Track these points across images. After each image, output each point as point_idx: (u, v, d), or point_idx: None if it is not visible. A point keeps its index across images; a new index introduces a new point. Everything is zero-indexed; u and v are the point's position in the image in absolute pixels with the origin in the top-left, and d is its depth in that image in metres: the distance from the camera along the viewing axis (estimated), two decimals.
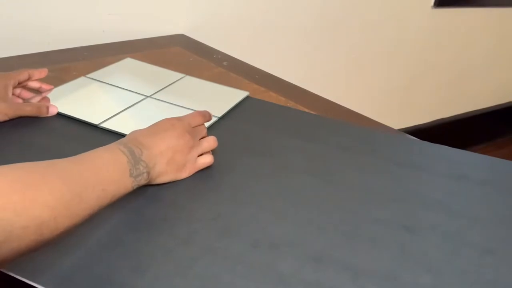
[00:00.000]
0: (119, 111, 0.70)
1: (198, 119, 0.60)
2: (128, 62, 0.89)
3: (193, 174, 0.57)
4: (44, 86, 0.72)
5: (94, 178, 0.43)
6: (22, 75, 0.68)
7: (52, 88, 0.73)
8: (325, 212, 0.54)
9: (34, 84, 0.71)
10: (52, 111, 0.68)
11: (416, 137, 0.74)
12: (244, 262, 0.45)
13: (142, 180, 0.50)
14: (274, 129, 0.71)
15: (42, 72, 0.71)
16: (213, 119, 0.71)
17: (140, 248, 0.46)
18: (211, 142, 0.60)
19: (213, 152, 0.60)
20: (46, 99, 0.70)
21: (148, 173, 0.50)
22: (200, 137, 0.59)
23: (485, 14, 1.77)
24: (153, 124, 0.56)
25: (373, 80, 1.63)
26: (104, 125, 0.66)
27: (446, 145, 0.71)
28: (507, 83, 2.08)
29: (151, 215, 0.50)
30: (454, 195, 0.59)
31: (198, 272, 0.44)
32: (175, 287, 0.42)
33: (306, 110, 0.79)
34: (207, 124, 0.69)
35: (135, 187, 0.49)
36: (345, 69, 1.54)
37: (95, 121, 0.66)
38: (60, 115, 0.68)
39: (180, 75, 0.86)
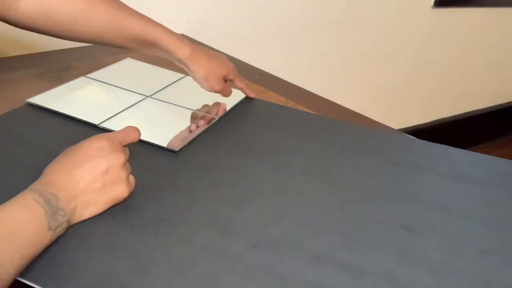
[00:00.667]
0: (119, 111, 0.70)
1: (133, 136, 0.53)
2: (128, 62, 0.89)
3: (192, 175, 0.57)
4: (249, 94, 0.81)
5: (11, 246, 0.39)
6: (239, 82, 0.78)
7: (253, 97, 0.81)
8: (324, 212, 0.54)
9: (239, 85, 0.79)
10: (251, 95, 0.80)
11: (416, 137, 0.74)
12: (244, 262, 0.45)
13: (62, 230, 0.44)
14: (274, 129, 0.71)
15: (250, 94, 0.81)
16: (212, 120, 0.71)
17: (140, 248, 0.46)
18: (127, 166, 0.51)
19: (214, 151, 0.60)
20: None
21: (68, 221, 0.45)
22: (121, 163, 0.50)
23: (485, 14, 1.77)
24: (76, 150, 0.48)
25: (373, 80, 1.63)
26: (104, 125, 0.66)
27: (446, 145, 0.71)
28: (507, 83, 2.08)
29: (151, 216, 0.50)
30: (454, 194, 0.59)
31: (198, 272, 0.44)
32: (175, 287, 0.42)
33: (306, 110, 0.79)
34: (206, 125, 0.69)
35: (53, 240, 0.43)
36: (345, 69, 1.54)
37: (95, 121, 0.66)
38: (60, 115, 0.68)
39: (180, 75, 0.86)
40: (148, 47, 0.68)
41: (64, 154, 0.48)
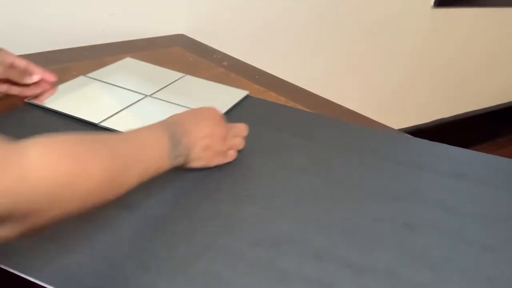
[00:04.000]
0: (118, 110, 0.70)
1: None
2: (128, 62, 0.89)
3: (193, 173, 0.57)
4: (48, 78, 0.69)
5: (138, 156, 0.45)
6: (19, 61, 0.66)
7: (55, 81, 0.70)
8: (325, 210, 0.54)
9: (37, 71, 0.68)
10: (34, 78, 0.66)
11: (416, 137, 0.74)
12: (246, 259, 0.46)
13: (179, 162, 0.52)
14: (274, 128, 0.71)
15: (47, 76, 0.69)
16: None
17: (143, 246, 0.46)
18: (241, 142, 0.62)
19: None
20: (52, 91, 0.70)
21: (186, 156, 0.53)
22: (235, 134, 0.61)
23: (485, 14, 1.77)
24: (194, 110, 0.58)
25: (373, 80, 1.63)
26: (104, 124, 0.66)
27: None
28: (507, 83, 2.08)
29: (153, 213, 0.51)
30: (454, 193, 0.60)
31: (200, 269, 0.44)
32: (178, 284, 0.42)
33: (306, 110, 0.79)
34: None
35: (171, 168, 0.50)
36: (345, 69, 1.54)
37: (95, 120, 0.66)
38: (60, 114, 0.68)
39: (179, 74, 0.86)
40: None
41: (187, 111, 0.57)
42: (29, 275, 0.41)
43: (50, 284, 0.41)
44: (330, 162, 0.64)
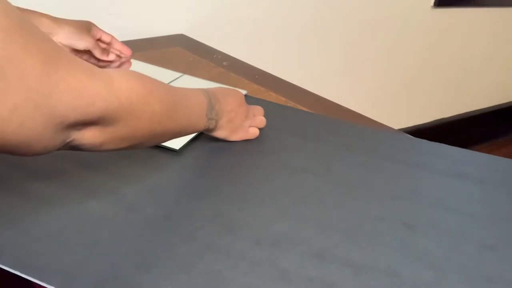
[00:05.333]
0: None
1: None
2: None
3: (193, 173, 0.57)
4: (125, 52, 0.78)
5: (185, 102, 0.51)
6: (105, 35, 0.76)
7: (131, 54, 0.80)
8: (326, 209, 0.54)
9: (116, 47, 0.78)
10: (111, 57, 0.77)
11: (416, 137, 0.74)
12: (247, 258, 0.46)
13: (211, 125, 0.58)
14: (274, 127, 0.71)
15: (125, 50, 0.79)
16: None
17: (144, 246, 0.46)
18: (263, 120, 0.68)
19: (214, 150, 0.60)
20: (128, 63, 0.80)
21: (216, 121, 0.58)
22: (256, 114, 0.67)
23: (485, 14, 1.77)
24: (223, 88, 0.63)
25: (373, 80, 1.63)
26: None
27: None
28: (507, 83, 2.08)
29: (154, 214, 0.51)
30: (454, 192, 0.60)
31: (201, 268, 0.44)
32: (179, 284, 0.42)
33: (306, 110, 0.79)
34: None
35: (205, 129, 0.57)
36: (345, 69, 1.54)
37: None
38: None
39: (177, 74, 0.86)
40: None
41: (217, 87, 0.62)
42: (29, 275, 0.41)
43: (50, 284, 0.41)
44: (330, 162, 0.64)
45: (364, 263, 0.47)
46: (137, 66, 0.89)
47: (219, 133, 0.62)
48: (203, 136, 0.66)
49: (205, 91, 0.57)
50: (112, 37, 0.78)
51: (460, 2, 1.67)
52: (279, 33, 1.33)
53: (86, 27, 0.74)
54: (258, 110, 0.68)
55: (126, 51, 0.79)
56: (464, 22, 1.73)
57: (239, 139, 0.65)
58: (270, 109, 0.78)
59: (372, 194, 0.58)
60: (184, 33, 1.15)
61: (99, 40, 0.76)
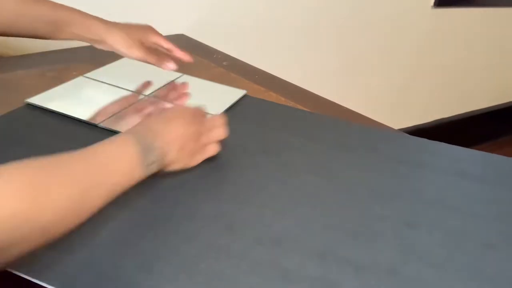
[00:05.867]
0: (118, 110, 0.70)
1: (202, 112, 0.60)
2: (125, 62, 0.89)
3: (194, 173, 0.57)
4: (186, 59, 0.77)
5: (103, 174, 0.43)
6: (164, 43, 0.75)
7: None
8: (327, 209, 0.54)
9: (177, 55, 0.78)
10: (171, 67, 0.74)
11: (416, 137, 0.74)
12: (248, 258, 0.46)
13: (154, 169, 0.50)
14: (274, 127, 0.71)
15: (185, 57, 0.77)
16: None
17: (145, 246, 0.46)
18: (221, 132, 0.59)
19: None
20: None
21: (160, 161, 0.50)
22: (211, 126, 0.58)
23: (485, 14, 1.77)
24: (163, 112, 0.56)
25: (373, 80, 1.63)
26: (104, 124, 0.66)
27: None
28: (507, 83, 2.08)
29: (155, 213, 0.51)
30: (455, 191, 0.60)
31: (203, 268, 0.44)
32: (180, 284, 0.42)
33: (306, 110, 0.79)
34: None
35: (147, 176, 0.49)
36: (345, 69, 1.54)
37: (95, 120, 0.66)
38: (59, 114, 0.67)
39: (177, 74, 0.86)
40: (63, 29, 0.68)
41: (156, 115, 0.55)
42: (29, 275, 0.41)
43: (50, 284, 0.41)
44: (330, 162, 0.64)
45: (365, 263, 0.47)
46: (135, 65, 0.89)
47: (172, 168, 0.54)
48: None
49: (136, 134, 0.49)
50: (172, 44, 0.76)
51: (460, 2, 1.67)
52: (279, 33, 1.33)
53: (139, 35, 0.72)
54: (216, 120, 0.60)
55: (187, 59, 0.76)
56: (464, 22, 1.73)
57: (198, 163, 0.57)
58: (270, 109, 0.78)
59: (372, 193, 0.58)
60: (184, 33, 1.15)
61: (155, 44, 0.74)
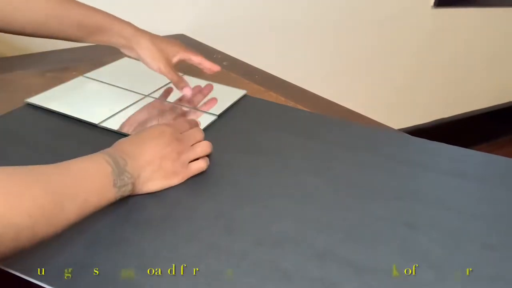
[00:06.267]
0: (118, 110, 0.70)
1: (184, 125, 0.60)
2: (125, 62, 0.89)
3: (195, 175, 0.57)
4: (215, 69, 0.77)
5: (76, 188, 0.43)
6: (194, 57, 0.74)
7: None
8: (327, 209, 0.54)
9: (206, 65, 0.77)
10: (186, 92, 0.73)
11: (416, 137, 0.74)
12: (248, 259, 0.46)
13: (127, 191, 0.49)
14: (274, 127, 0.71)
15: (214, 67, 0.77)
16: (212, 118, 0.71)
17: (145, 246, 0.46)
18: (204, 147, 0.58)
19: (215, 150, 0.60)
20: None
21: (133, 183, 0.49)
22: (193, 142, 0.57)
23: (485, 14, 1.77)
24: (140, 131, 0.55)
25: (373, 80, 1.63)
26: (104, 124, 0.66)
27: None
28: (507, 83, 2.08)
29: (155, 214, 0.50)
30: (454, 191, 0.60)
31: (202, 269, 0.44)
32: (180, 284, 0.42)
33: (306, 110, 0.79)
34: (205, 123, 0.69)
35: (119, 198, 0.48)
36: (345, 69, 1.54)
37: (95, 120, 0.66)
38: (59, 114, 0.68)
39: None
40: (93, 32, 0.68)
41: (133, 135, 0.54)
42: (29, 276, 0.41)
43: (50, 285, 0.41)
44: (330, 162, 0.64)
45: (366, 263, 0.47)
46: (134, 65, 0.89)
47: (149, 188, 0.52)
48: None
49: (110, 153, 0.48)
50: (201, 57, 0.76)
51: (460, 2, 1.67)
52: (279, 33, 1.33)
53: (167, 49, 0.72)
54: (198, 136, 0.59)
55: (216, 69, 0.77)
56: (464, 22, 1.73)
57: (182, 181, 0.55)
58: (270, 109, 0.78)
59: (372, 194, 0.58)
60: (184, 33, 1.15)
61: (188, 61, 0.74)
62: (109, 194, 0.47)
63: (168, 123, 0.58)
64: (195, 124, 0.63)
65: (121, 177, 0.47)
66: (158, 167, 0.52)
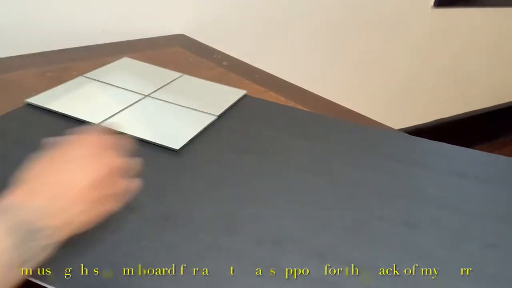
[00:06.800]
0: (118, 110, 0.70)
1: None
2: (125, 62, 0.89)
3: (194, 173, 0.57)
4: None
5: None
6: None
7: None
8: (327, 209, 0.54)
9: None
10: None
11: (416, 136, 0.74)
12: (248, 258, 0.46)
13: (36, 259, 0.35)
14: (274, 127, 0.71)
15: None
16: (212, 118, 0.71)
17: (145, 246, 0.46)
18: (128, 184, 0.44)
19: (215, 150, 0.60)
20: None
21: (54, 243, 0.37)
22: (119, 150, 0.45)
23: (485, 14, 1.77)
24: (54, 155, 0.42)
25: (373, 80, 1.63)
26: (104, 124, 0.66)
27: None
28: (507, 83, 2.08)
29: (154, 214, 0.50)
30: (454, 191, 0.60)
31: (202, 269, 0.44)
32: (180, 284, 0.42)
33: (306, 110, 0.79)
34: (205, 123, 0.69)
35: (39, 261, 0.36)
36: (345, 69, 1.54)
37: (95, 120, 0.66)
38: (59, 115, 0.68)
39: (177, 74, 0.86)
40: None
41: (42, 160, 0.41)
42: (28, 276, 0.41)
43: (50, 284, 0.41)
44: (330, 162, 0.64)
45: (366, 262, 0.47)
46: (135, 65, 0.89)
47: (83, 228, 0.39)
48: (203, 136, 0.66)
49: (4, 212, 0.35)
50: None
51: (460, 2, 1.66)
52: (279, 33, 1.33)
53: None
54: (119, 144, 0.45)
55: None
56: (464, 22, 1.73)
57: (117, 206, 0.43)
58: (270, 109, 0.78)
59: (372, 193, 0.58)
60: (184, 33, 1.15)
61: None
62: (14, 276, 0.34)
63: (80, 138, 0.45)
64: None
65: (28, 244, 0.34)
66: (93, 199, 0.40)
